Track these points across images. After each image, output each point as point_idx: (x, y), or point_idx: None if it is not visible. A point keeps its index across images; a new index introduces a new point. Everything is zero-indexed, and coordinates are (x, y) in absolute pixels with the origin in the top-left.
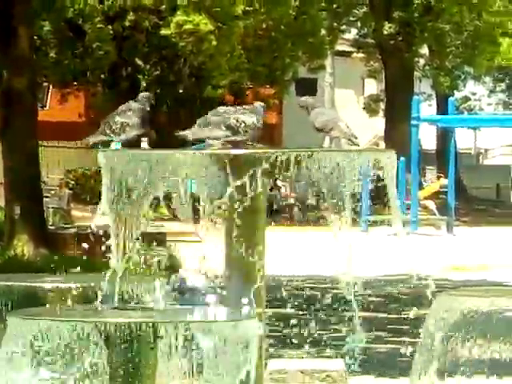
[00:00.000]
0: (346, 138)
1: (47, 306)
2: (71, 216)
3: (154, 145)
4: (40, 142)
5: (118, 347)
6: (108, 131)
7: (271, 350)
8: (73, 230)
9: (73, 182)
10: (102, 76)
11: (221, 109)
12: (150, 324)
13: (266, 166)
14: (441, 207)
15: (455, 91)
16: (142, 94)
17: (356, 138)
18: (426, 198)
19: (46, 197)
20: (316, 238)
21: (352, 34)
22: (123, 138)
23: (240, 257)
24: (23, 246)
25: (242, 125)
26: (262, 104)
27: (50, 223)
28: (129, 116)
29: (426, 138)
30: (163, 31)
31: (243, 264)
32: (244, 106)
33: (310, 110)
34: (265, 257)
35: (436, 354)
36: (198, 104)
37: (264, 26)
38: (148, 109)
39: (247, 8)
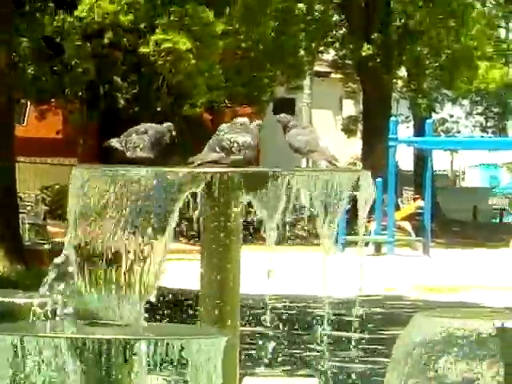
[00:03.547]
0: (326, 161)
1: (21, 321)
2: (47, 232)
3: None
4: (17, 158)
5: (92, 363)
6: (123, 144)
7: (246, 368)
8: (48, 246)
9: (49, 198)
10: (80, 93)
11: (220, 128)
12: (125, 341)
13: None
14: (417, 228)
15: (433, 113)
16: (166, 124)
17: (336, 160)
18: (402, 219)
19: (22, 212)
20: (290, 258)
21: (331, 55)
22: (131, 157)
23: (214, 275)
24: None
25: (235, 145)
26: (259, 122)
27: (26, 239)
28: (143, 138)
29: (404, 159)
30: (142, 49)
31: (217, 282)
32: (239, 123)
33: (288, 127)
34: (239, 276)
35: (407, 374)
36: (176, 122)
37: (243, 45)
38: (166, 138)
39: (226, 28)
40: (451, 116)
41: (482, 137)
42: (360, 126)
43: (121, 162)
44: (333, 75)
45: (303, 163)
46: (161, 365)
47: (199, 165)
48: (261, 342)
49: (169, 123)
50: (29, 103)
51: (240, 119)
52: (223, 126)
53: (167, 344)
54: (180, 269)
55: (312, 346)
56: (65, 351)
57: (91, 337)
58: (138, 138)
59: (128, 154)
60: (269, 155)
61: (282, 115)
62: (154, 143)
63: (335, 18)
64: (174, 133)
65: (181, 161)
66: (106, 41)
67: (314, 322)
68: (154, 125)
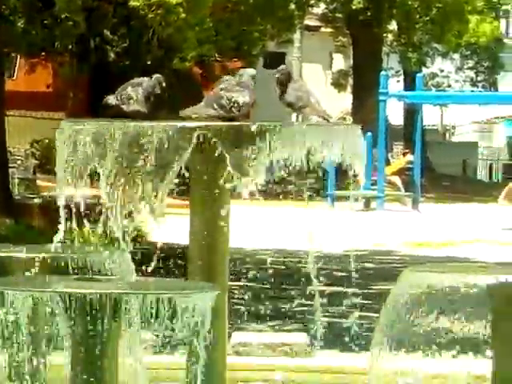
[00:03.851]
0: (318, 116)
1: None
2: (37, 186)
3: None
4: (6, 112)
5: (80, 318)
6: (118, 98)
7: (235, 322)
8: (38, 200)
9: (39, 153)
10: (70, 47)
11: (223, 79)
12: (114, 295)
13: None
14: (407, 183)
15: (423, 68)
16: (155, 75)
17: (328, 115)
18: (392, 174)
19: (12, 167)
20: (280, 213)
21: (321, 8)
22: (126, 110)
23: (203, 229)
24: None
25: (235, 105)
26: (252, 74)
27: (16, 193)
28: (137, 90)
29: (394, 113)
30: (132, 3)
31: (206, 236)
32: (238, 75)
33: (290, 80)
34: (229, 229)
35: (397, 330)
36: (166, 75)
37: None
38: (157, 90)
39: None
40: (442, 70)
41: (473, 91)
42: (350, 81)
43: (114, 117)
44: (323, 29)
45: (293, 116)
46: (150, 320)
47: (196, 119)
48: (249, 297)
49: (157, 75)
50: (18, 57)
51: (241, 71)
52: (227, 78)
53: (157, 299)
54: (169, 223)
55: (301, 301)
56: (54, 306)
57: (81, 291)
58: (133, 90)
59: (124, 107)
60: (258, 110)
61: (283, 66)
62: (147, 97)
63: None
64: (163, 84)
65: (170, 114)
66: None
67: (303, 276)
68: (146, 79)
